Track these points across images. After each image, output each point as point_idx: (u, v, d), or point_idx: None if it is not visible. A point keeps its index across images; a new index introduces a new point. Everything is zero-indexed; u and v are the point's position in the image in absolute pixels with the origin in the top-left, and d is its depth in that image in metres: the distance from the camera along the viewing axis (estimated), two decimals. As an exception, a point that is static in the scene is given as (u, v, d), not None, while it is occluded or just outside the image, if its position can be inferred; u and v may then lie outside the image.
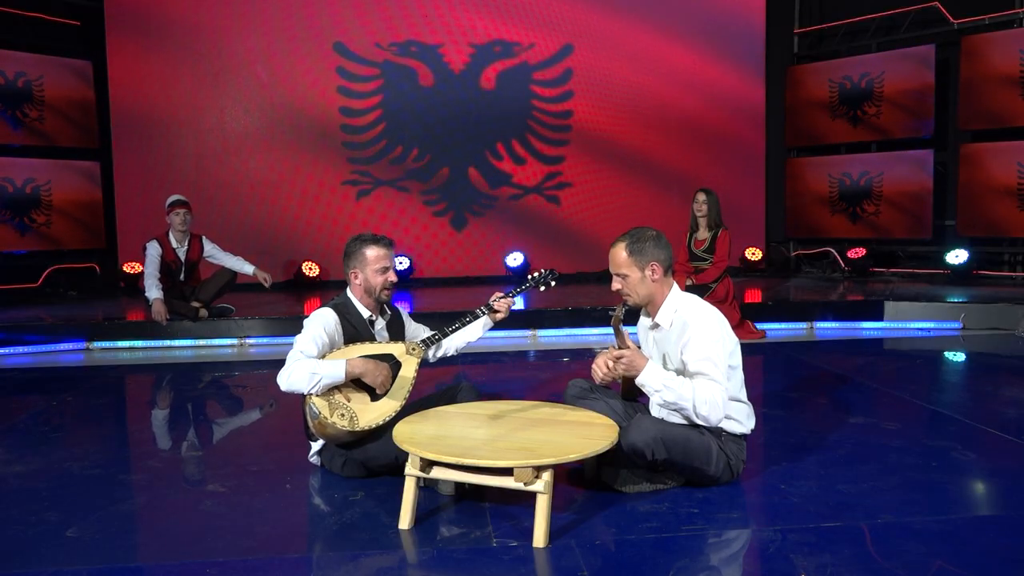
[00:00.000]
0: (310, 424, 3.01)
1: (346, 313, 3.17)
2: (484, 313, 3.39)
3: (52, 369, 5.74)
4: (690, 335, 2.80)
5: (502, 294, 3.41)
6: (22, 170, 8.12)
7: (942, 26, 8.57)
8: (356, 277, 3.19)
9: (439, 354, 3.44)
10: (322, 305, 3.21)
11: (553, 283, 3.52)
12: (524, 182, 9.29)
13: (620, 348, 2.83)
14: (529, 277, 3.52)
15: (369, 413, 2.96)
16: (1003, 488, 2.96)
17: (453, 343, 3.43)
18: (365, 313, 3.21)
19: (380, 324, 3.26)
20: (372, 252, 3.17)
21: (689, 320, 2.83)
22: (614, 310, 2.89)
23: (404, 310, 3.46)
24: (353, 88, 8.96)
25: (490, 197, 9.23)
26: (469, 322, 3.36)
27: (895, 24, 8.97)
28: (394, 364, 3.10)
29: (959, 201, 8.51)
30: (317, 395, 2.90)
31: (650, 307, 2.97)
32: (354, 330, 3.15)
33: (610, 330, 2.89)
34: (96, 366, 5.81)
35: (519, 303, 6.80)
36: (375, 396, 3.01)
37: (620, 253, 2.89)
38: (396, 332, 3.32)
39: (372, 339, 3.19)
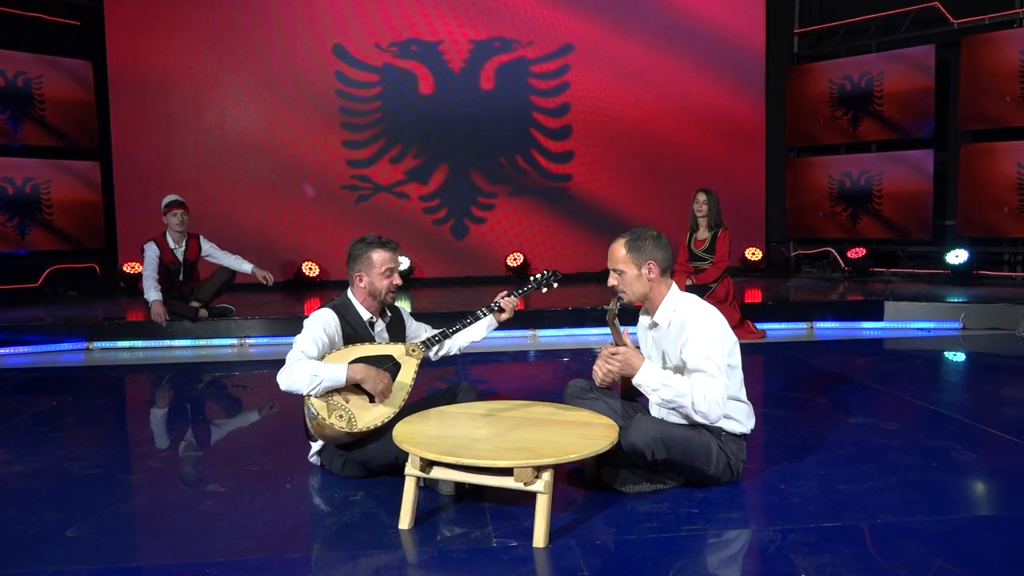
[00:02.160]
0: (309, 425, 3.01)
1: (346, 314, 3.16)
2: (487, 313, 3.38)
3: (52, 369, 5.73)
4: (689, 334, 2.80)
5: (507, 294, 3.40)
6: (22, 170, 8.12)
7: (942, 26, 8.57)
8: (361, 280, 3.18)
9: (441, 353, 3.43)
10: (322, 305, 3.20)
11: (555, 284, 3.52)
12: (524, 181, 9.30)
13: (617, 345, 2.82)
14: (531, 279, 3.51)
15: (367, 415, 2.95)
16: (1003, 488, 2.96)
17: (456, 342, 3.42)
18: (365, 315, 3.20)
19: (380, 326, 3.26)
20: (378, 255, 3.16)
21: (688, 319, 2.83)
22: (608, 305, 2.88)
23: (405, 309, 3.45)
24: (352, 91, 8.96)
25: (489, 194, 9.23)
26: (471, 323, 3.35)
27: (895, 24, 8.97)
28: (393, 366, 3.09)
29: (959, 201, 8.51)
30: (316, 396, 2.90)
31: (648, 306, 2.97)
32: (353, 331, 3.14)
33: (609, 330, 2.89)
34: (96, 366, 5.81)
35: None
36: (374, 398, 3.01)
37: (619, 249, 2.90)
38: (396, 333, 3.31)
39: (371, 340, 3.18)
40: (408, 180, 9.12)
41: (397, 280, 3.20)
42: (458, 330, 3.32)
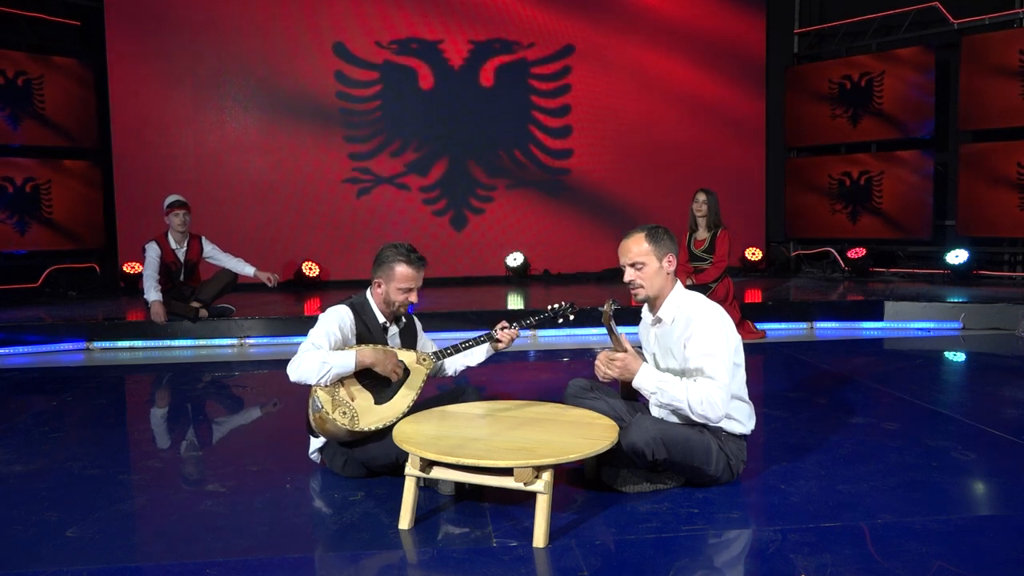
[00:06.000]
0: (311, 418, 3.00)
1: (362, 314, 3.16)
2: (488, 341, 3.34)
3: (52, 369, 5.73)
4: (693, 331, 2.80)
5: (507, 324, 3.32)
6: (22, 170, 8.12)
7: (942, 26, 8.57)
8: (379, 287, 3.16)
9: (439, 373, 3.42)
10: (340, 302, 3.19)
11: (572, 317, 3.41)
12: (523, 177, 9.30)
13: (616, 350, 2.82)
14: (548, 308, 3.42)
15: (371, 416, 2.95)
16: (1003, 488, 2.96)
17: (454, 364, 3.41)
18: (381, 319, 3.20)
19: (393, 331, 3.26)
20: (402, 270, 3.11)
21: (693, 316, 2.83)
22: (603, 307, 2.84)
23: (418, 322, 3.43)
24: (352, 91, 8.96)
25: (488, 187, 9.23)
26: (483, 341, 3.30)
27: (895, 24, 8.97)
28: (404, 371, 3.09)
29: (959, 201, 8.51)
30: (323, 388, 2.90)
31: (653, 303, 2.96)
32: (367, 332, 3.15)
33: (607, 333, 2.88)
34: (96, 366, 5.81)
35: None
36: (380, 399, 3.01)
37: (639, 242, 2.87)
38: (408, 340, 3.31)
39: (384, 344, 3.18)
40: (407, 172, 9.11)
41: (413, 298, 3.17)
42: (470, 346, 3.27)
